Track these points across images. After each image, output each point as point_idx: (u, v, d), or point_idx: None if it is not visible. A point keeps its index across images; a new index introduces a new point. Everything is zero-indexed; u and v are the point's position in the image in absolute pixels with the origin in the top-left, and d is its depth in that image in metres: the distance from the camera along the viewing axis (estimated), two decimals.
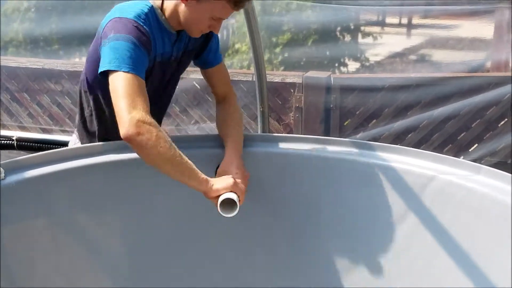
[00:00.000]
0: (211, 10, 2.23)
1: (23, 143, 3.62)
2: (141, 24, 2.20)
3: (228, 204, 2.15)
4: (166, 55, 2.36)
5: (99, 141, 2.45)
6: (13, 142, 3.43)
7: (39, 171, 2.20)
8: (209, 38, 2.51)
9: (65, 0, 6.06)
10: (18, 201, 2.14)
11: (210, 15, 2.24)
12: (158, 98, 2.46)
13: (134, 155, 2.17)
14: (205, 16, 2.25)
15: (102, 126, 2.46)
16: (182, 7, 2.27)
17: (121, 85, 2.06)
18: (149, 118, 2.02)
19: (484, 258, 2.15)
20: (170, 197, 2.38)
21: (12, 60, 5.65)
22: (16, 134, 3.72)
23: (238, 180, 2.21)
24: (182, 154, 2.07)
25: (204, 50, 2.52)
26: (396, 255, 2.35)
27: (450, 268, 2.22)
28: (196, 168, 2.10)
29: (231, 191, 2.15)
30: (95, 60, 2.26)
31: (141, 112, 2.01)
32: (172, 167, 2.06)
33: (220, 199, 2.14)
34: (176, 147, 2.06)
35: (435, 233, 2.26)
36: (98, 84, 2.31)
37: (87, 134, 2.52)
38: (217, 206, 2.14)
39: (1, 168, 2.13)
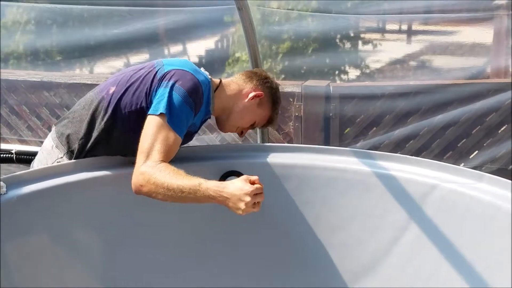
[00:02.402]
0: (261, 117, 2.51)
1: (23, 156, 3.60)
2: (202, 91, 2.30)
3: None
4: (193, 128, 2.43)
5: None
6: (12, 155, 3.42)
7: (40, 185, 2.21)
8: None
9: (65, 10, 6.08)
10: (19, 215, 2.14)
11: (257, 120, 2.51)
12: None
13: (130, 169, 2.20)
14: (252, 119, 2.50)
15: (87, 152, 2.39)
16: (242, 101, 2.45)
17: (152, 133, 2.17)
18: (152, 166, 2.10)
19: (488, 267, 2.14)
20: (168, 208, 2.38)
21: (11, 73, 5.65)
22: (15, 147, 3.71)
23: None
24: (184, 182, 2.08)
25: None
26: (401, 265, 2.35)
27: (454, 276, 2.21)
28: (203, 185, 2.08)
29: None
30: (139, 95, 2.30)
31: (149, 162, 2.12)
32: (180, 200, 2.11)
33: None
34: (176, 181, 2.08)
35: (439, 242, 2.26)
36: (125, 116, 2.32)
37: (67, 149, 2.43)
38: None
39: (2, 183, 2.13)
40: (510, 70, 5.07)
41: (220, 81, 2.48)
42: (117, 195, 2.32)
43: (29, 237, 2.17)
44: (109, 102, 2.34)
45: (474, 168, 2.52)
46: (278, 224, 2.49)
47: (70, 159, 2.39)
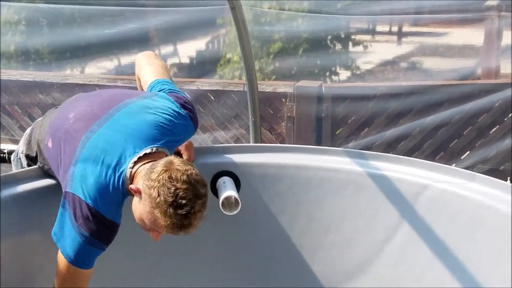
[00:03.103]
0: (152, 222, 1.94)
1: (16, 153, 3.58)
2: (118, 223, 2.04)
3: (229, 202, 2.27)
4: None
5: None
6: (4, 155, 3.40)
7: (34, 184, 2.20)
8: None
9: (56, 10, 6.06)
10: (13, 215, 2.13)
11: (154, 225, 1.95)
12: None
13: None
14: (146, 223, 1.96)
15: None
16: (136, 199, 2.00)
17: (60, 272, 2.03)
18: None
19: (480, 266, 2.15)
20: None
21: (3, 73, 5.63)
22: (7, 147, 3.69)
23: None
24: None
25: None
26: (392, 265, 2.35)
27: (445, 276, 2.22)
28: None
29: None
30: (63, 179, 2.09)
31: None
32: None
33: (221, 199, 2.25)
34: None
35: (430, 241, 2.27)
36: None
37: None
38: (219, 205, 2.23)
39: None
40: (501, 71, 5.10)
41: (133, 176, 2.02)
42: None
43: (23, 237, 2.17)
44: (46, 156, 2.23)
45: (466, 168, 2.53)
46: (270, 224, 2.49)
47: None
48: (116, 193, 2.01)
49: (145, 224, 1.96)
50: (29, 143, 2.33)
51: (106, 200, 2.00)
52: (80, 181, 2.00)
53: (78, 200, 1.98)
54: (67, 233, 2.00)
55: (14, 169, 2.42)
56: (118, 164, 2.01)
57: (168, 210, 1.86)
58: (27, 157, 2.35)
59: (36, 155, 2.28)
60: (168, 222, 1.87)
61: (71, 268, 2.01)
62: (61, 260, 2.03)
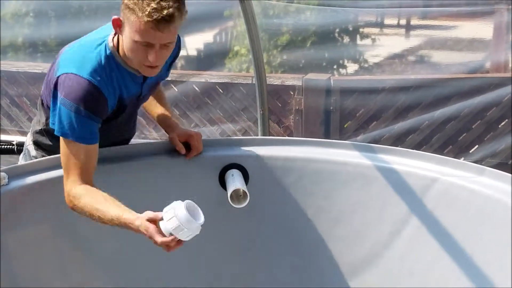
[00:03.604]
0: (133, 34, 2.00)
1: (24, 147, 3.60)
2: (97, 84, 2.08)
3: (237, 195, 2.27)
4: (135, 95, 2.27)
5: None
6: (13, 147, 3.41)
7: (42, 176, 2.21)
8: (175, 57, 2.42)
9: (64, 2, 6.07)
10: (21, 206, 2.14)
11: (135, 39, 2.01)
12: (129, 122, 2.43)
13: (132, 161, 2.30)
14: (132, 42, 2.03)
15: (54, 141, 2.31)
16: (122, 42, 2.10)
17: (63, 153, 2.11)
18: (74, 189, 2.07)
19: (488, 260, 2.15)
20: (167, 202, 2.38)
21: (11, 65, 5.65)
22: (16, 138, 3.70)
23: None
24: (103, 213, 2.02)
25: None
26: (400, 257, 2.35)
27: (453, 270, 2.22)
28: (120, 214, 1.99)
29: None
30: (49, 90, 2.19)
31: (70, 184, 2.08)
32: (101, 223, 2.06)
33: (229, 191, 2.25)
34: (98, 213, 2.03)
35: (438, 234, 2.26)
36: None
37: (41, 147, 2.42)
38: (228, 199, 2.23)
39: (4, 174, 2.13)
40: (510, 65, 5.08)
41: (118, 43, 2.16)
42: (119, 187, 2.32)
43: (31, 228, 2.18)
44: (41, 100, 2.35)
45: (475, 162, 2.52)
46: (278, 217, 2.49)
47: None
48: (99, 57, 2.12)
49: (137, 52, 2.04)
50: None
51: (90, 64, 2.10)
52: (61, 65, 2.14)
53: (63, 78, 2.09)
54: (62, 117, 2.09)
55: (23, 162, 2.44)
56: (99, 39, 2.17)
57: (142, 4, 1.95)
58: (35, 143, 2.40)
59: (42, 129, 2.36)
60: (145, 12, 1.94)
61: (73, 148, 2.10)
62: (63, 146, 2.11)
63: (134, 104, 2.33)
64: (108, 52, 2.13)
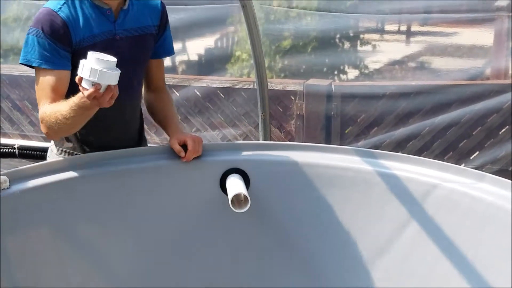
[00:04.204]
0: None
1: (25, 151, 3.62)
2: (56, 11, 2.24)
3: (238, 200, 2.27)
4: (108, 34, 2.35)
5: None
6: (14, 150, 3.43)
7: (43, 180, 2.21)
8: (164, 25, 2.52)
9: None
10: (22, 210, 2.15)
11: None
12: (124, 79, 2.45)
13: (133, 165, 2.30)
14: None
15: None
16: None
17: (36, 84, 2.27)
18: (45, 108, 2.22)
19: (489, 266, 2.15)
20: (168, 207, 2.40)
21: (13, 68, 5.66)
22: (17, 142, 3.71)
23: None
24: (62, 108, 2.15)
25: (159, 39, 2.52)
26: (399, 261, 2.35)
27: (453, 275, 2.22)
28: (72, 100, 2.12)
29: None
30: None
31: (42, 108, 2.23)
32: (73, 124, 2.20)
33: (230, 196, 2.25)
34: (60, 112, 2.15)
35: (439, 240, 2.26)
36: None
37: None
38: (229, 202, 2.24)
39: (5, 177, 2.13)
40: (510, 71, 5.08)
41: None
42: (120, 191, 2.33)
43: (31, 232, 2.18)
44: None
45: (475, 168, 2.53)
46: (280, 223, 2.49)
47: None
48: None
49: None
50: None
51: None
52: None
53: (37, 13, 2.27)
54: (28, 44, 2.25)
55: None
56: None
57: None
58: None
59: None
60: None
61: (42, 75, 2.25)
62: (35, 78, 2.27)
63: (111, 48, 2.32)
64: None
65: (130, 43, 2.39)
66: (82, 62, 1.97)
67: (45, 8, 2.25)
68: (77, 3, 2.29)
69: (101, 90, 1.97)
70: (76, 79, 1.99)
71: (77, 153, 2.44)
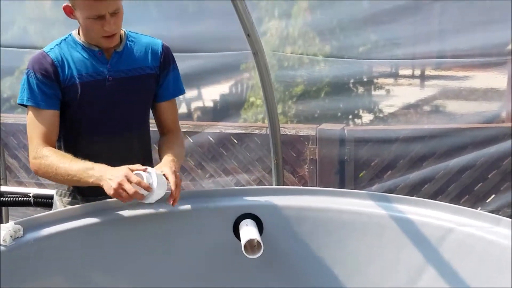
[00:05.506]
0: (83, 12, 2.29)
1: (40, 199, 3.63)
2: (47, 52, 2.37)
3: (251, 245, 2.27)
4: (100, 75, 2.41)
5: None
6: (30, 199, 3.44)
7: (57, 228, 2.22)
8: (166, 66, 2.53)
9: None
10: (36, 258, 2.14)
11: (86, 16, 2.30)
12: (109, 119, 2.47)
13: (141, 211, 2.30)
14: (86, 20, 2.31)
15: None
16: (80, 28, 2.41)
17: (27, 123, 2.36)
18: (40, 151, 2.31)
19: None
20: (173, 252, 2.39)
21: (14, 118, 5.71)
22: (33, 190, 3.73)
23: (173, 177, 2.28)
24: (72, 165, 2.25)
25: (163, 80, 2.53)
26: None
27: None
28: (87, 168, 2.23)
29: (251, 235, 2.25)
30: None
31: (35, 148, 2.33)
32: (68, 182, 2.35)
33: (243, 241, 2.24)
34: (65, 165, 2.25)
35: (456, 285, 2.23)
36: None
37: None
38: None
39: (19, 226, 2.14)
40: None
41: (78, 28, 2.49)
42: (132, 238, 2.32)
43: (45, 280, 2.17)
44: None
45: (491, 212, 2.51)
46: (293, 267, 2.47)
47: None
48: (61, 38, 2.43)
49: (92, 27, 2.31)
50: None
51: (52, 43, 2.43)
52: None
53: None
54: (23, 86, 2.37)
55: None
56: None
57: None
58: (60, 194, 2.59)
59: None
60: None
61: (33, 114, 2.35)
62: (27, 117, 2.37)
63: (102, 88, 2.41)
64: (69, 35, 2.44)
65: (124, 84, 2.43)
66: (163, 179, 2.21)
67: (39, 53, 2.39)
68: (69, 45, 2.40)
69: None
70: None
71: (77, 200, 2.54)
